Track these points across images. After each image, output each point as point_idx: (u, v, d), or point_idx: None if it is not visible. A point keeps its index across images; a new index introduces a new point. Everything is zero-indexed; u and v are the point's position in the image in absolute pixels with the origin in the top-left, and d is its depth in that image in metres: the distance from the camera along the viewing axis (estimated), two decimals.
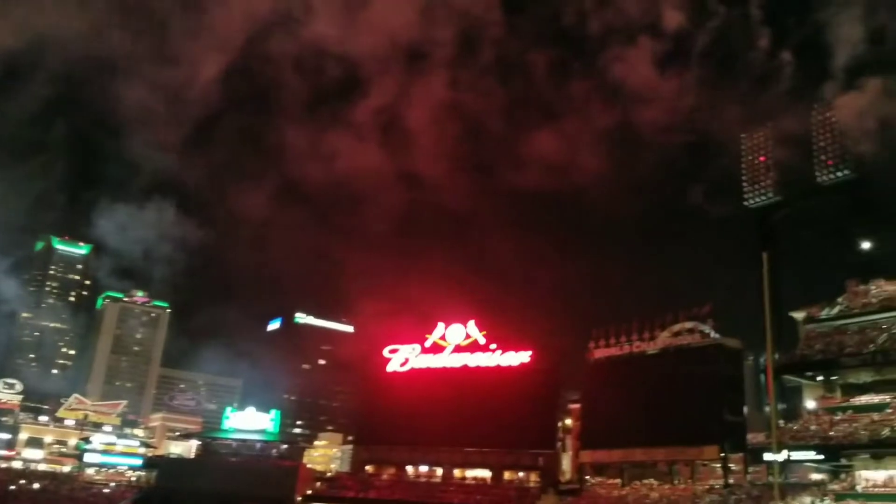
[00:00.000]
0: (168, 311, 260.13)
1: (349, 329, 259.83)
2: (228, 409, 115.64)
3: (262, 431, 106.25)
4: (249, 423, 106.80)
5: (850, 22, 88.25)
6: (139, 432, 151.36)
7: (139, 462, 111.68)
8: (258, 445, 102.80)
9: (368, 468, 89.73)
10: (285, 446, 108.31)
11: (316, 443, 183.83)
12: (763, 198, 75.31)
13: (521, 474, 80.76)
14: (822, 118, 71.56)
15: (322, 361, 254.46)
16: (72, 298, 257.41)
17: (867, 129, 71.02)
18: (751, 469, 66.02)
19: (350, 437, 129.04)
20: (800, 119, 74.05)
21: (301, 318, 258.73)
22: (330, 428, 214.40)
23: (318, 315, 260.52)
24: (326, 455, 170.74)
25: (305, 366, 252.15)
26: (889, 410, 59.09)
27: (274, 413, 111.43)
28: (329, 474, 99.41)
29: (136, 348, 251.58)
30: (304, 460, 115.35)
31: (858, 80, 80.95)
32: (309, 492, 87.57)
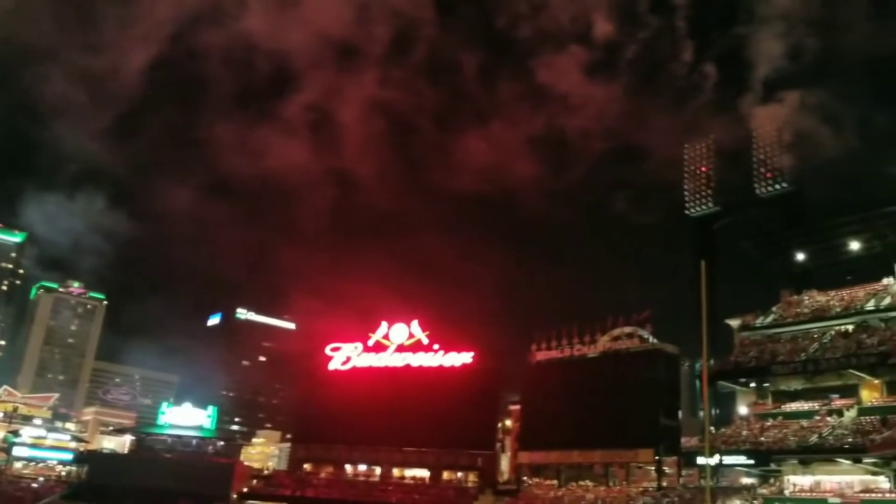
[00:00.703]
0: (104, 303, 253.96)
1: (291, 326, 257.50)
2: (164, 404, 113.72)
3: (199, 428, 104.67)
4: (186, 419, 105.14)
5: (769, 37, 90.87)
6: (71, 426, 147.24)
7: (69, 457, 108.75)
8: (194, 442, 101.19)
9: (306, 466, 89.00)
10: (222, 443, 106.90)
11: (254, 440, 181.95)
12: (704, 207, 77.27)
13: (459, 474, 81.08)
14: (761, 132, 73.74)
15: (262, 358, 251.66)
16: (3, 287, 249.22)
17: (797, 143, 73.36)
18: (684, 472, 67.41)
19: (289, 435, 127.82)
20: (741, 132, 76.25)
21: (242, 313, 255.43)
22: (268, 425, 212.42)
23: (259, 311, 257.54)
24: (264, 453, 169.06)
25: (245, 362, 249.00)
26: (817, 418, 61.01)
27: (211, 409, 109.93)
28: (266, 472, 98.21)
29: (69, 340, 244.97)
30: (242, 458, 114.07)
31: (777, 92, 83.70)
32: (245, 489, 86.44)
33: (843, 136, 72.03)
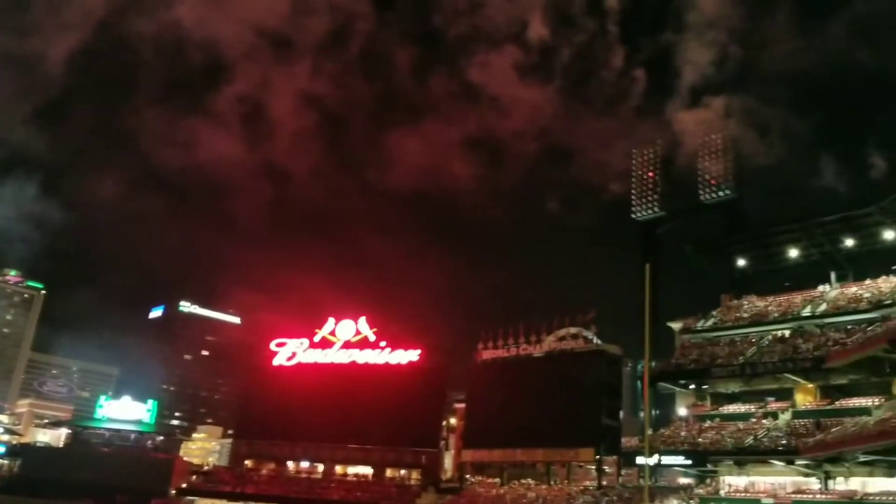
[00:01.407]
0: (43, 292, 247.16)
1: (236, 320, 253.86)
2: (103, 397, 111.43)
3: (138, 422, 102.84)
4: (124, 412, 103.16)
5: (696, 45, 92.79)
6: (4, 418, 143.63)
7: (1, 450, 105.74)
8: (132, 436, 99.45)
9: (248, 463, 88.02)
10: (161, 438, 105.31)
11: (194, 435, 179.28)
12: (649, 212, 78.62)
13: (402, 472, 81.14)
14: (707, 139, 75.33)
15: (205, 352, 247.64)
16: None
17: (729, 150, 74.99)
18: (623, 472, 68.56)
19: (230, 431, 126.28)
20: (686, 138, 77.78)
21: (186, 306, 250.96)
22: (210, 421, 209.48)
23: (203, 305, 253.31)
24: (205, 448, 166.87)
25: (187, 356, 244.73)
26: (753, 420, 62.61)
27: (151, 403, 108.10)
28: (206, 468, 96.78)
29: (4, 330, 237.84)
30: (181, 453, 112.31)
31: (705, 98, 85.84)
32: (184, 485, 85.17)
33: (774, 145, 74.10)
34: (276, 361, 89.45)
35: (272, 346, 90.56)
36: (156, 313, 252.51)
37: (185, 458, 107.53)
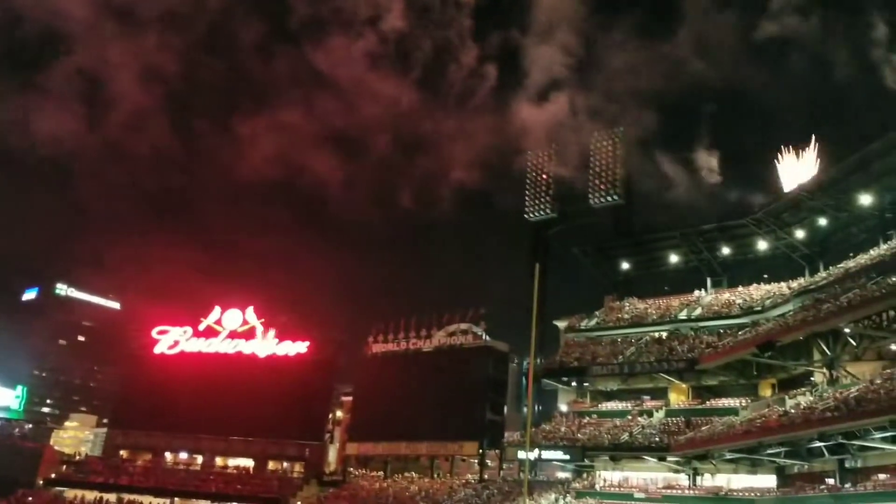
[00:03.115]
0: None
1: (115, 306, 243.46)
2: None
3: (5, 409, 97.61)
4: None
5: (543, 44, 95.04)
6: None
7: None
8: None
9: (123, 453, 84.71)
10: (30, 426, 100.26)
11: (66, 424, 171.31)
12: (541, 213, 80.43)
13: (285, 464, 79.95)
14: (599, 144, 77.65)
15: (82, 338, 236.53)
16: None
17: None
18: (505, 465, 70.07)
19: (105, 420, 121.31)
20: (583, 141, 79.82)
21: (62, 289, 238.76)
22: (84, 409, 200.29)
23: (81, 288, 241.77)
24: (77, 437, 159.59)
25: (62, 341, 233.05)
26: (629, 417, 65.08)
27: (20, 389, 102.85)
28: (78, 458, 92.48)
29: None
30: (52, 442, 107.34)
31: (550, 96, 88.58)
32: (53, 475, 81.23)
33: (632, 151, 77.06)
34: (157, 349, 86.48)
35: (154, 333, 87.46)
36: (29, 295, 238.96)
37: (55, 448, 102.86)
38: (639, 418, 64.33)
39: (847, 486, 44.70)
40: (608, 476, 61.60)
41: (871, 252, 56.06)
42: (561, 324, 78.15)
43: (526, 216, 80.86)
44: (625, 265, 79.49)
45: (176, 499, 74.68)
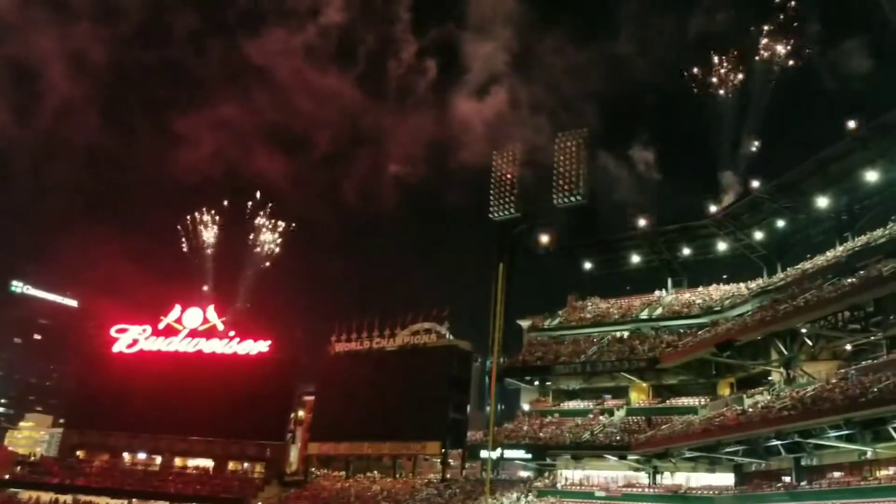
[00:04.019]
0: None
1: (72, 304, 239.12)
2: None
3: None
4: None
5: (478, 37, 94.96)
6: None
7: None
8: None
9: (79, 454, 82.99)
10: None
11: (21, 423, 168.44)
12: (506, 212, 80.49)
13: (246, 465, 79.00)
14: (563, 145, 77.93)
15: (38, 336, 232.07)
16: None
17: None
18: (468, 465, 70.01)
19: (62, 420, 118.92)
20: (544, 140, 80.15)
21: (17, 287, 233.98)
22: (39, 409, 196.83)
23: (37, 285, 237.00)
24: (32, 438, 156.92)
25: (17, 339, 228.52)
26: (591, 416, 65.58)
27: None
28: (33, 458, 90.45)
29: None
30: (6, 442, 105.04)
31: (489, 89, 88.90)
32: (6, 476, 79.19)
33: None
34: (115, 348, 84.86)
35: (112, 332, 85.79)
36: None
37: (9, 448, 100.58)
38: (600, 417, 64.86)
39: (803, 483, 45.52)
40: (569, 475, 62.00)
41: (828, 254, 57.19)
42: (524, 323, 78.45)
43: (490, 216, 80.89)
44: (587, 265, 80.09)
45: (134, 500, 73.31)
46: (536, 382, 72.73)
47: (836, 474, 44.69)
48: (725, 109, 76.17)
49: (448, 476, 67.63)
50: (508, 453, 66.06)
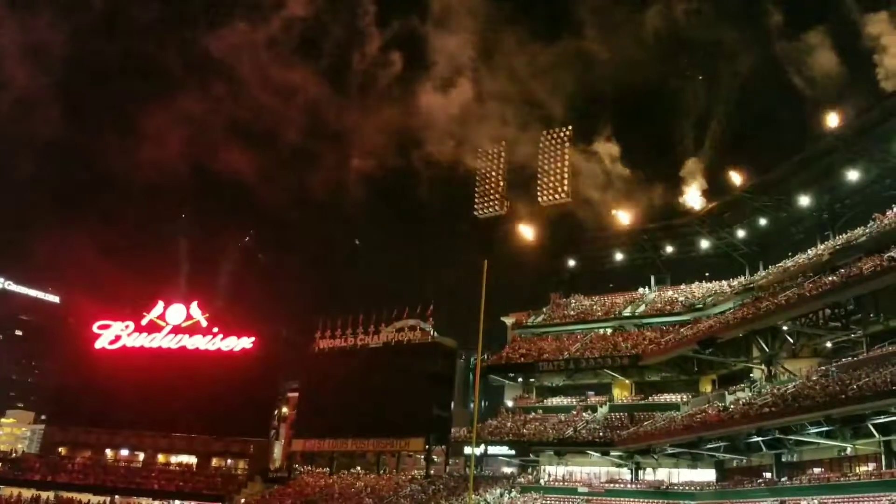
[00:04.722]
0: None
1: (54, 299, 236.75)
2: None
3: None
4: None
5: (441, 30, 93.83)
6: None
7: None
8: None
9: (61, 450, 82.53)
10: None
11: (2, 420, 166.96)
12: (490, 210, 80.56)
13: (229, 461, 78.87)
14: (546, 143, 78.10)
15: (19, 332, 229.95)
16: None
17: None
18: (452, 461, 70.23)
19: (43, 417, 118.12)
20: (530, 141, 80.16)
21: None
22: (20, 405, 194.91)
23: (18, 281, 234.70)
24: (13, 434, 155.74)
25: None
26: (574, 412, 65.89)
27: None
28: (14, 455, 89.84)
29: None
30: None
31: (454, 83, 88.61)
32: None
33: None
34: (98, 344, 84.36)
35: (95, 328, 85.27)
36: None
37: None
38: (583, 413, 65.18)
39: (783, 479, 45.96)
40: (553, 471, 62.31)
41: (809, 252, 57.66)
42: (508, 320, 78.69)
43: (475, 213, 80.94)
44: (571, 262, 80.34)
45: (116, 496, 73.03)
46: (520, 379, 73.00)
47: (816, 470, 45.13)
48: (690, 97, 76.77)
49: (432, 472, 67.82)
50: (492, 450, 66.38)
